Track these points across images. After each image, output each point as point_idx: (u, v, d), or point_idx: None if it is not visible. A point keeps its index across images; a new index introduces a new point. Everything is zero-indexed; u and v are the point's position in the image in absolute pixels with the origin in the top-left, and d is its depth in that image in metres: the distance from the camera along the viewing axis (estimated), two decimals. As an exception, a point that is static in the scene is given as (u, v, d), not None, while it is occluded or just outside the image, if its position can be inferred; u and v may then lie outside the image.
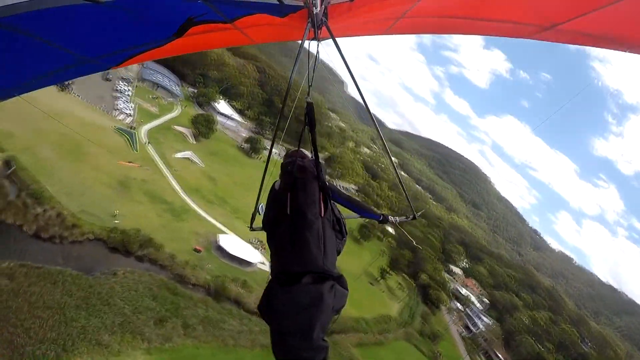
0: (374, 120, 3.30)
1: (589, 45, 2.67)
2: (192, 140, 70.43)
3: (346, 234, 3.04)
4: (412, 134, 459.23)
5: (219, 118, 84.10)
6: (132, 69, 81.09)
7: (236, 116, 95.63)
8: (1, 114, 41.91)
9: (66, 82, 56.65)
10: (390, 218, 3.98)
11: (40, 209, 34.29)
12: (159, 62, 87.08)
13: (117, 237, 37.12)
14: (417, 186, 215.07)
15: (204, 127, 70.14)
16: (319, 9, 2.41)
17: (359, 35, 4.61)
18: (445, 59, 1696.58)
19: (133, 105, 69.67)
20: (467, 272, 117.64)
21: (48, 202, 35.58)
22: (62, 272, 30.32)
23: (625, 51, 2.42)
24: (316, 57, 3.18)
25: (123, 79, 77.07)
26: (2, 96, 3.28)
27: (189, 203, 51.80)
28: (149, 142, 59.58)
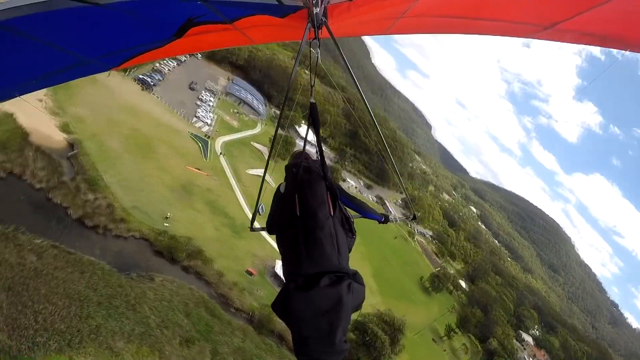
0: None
1: (590, 45, 2.76)
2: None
3: (355, 231, 3.05)
4: (494, 185, 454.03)
5: (300, 142, 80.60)
6: (220, 82, 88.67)
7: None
8: (78, 99, 45.19)
9: (150, 83, 64.57)
10: (391, 217, 4.11)
11: (91, 195, 34.92)
12: (247, 79, 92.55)
13: (164, 241, 36.36)
14: (495, 240, 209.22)
15: (282, 148, 68.57)
16: (318, 8, 2.35)
17: (359, 35, 4.80)
18: (534, 109, 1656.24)
19: (213, 116, 72.32)
20: (538, 342, 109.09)
21: (101, 191, 36.16)
22: (94, 264, 29.61)
23: (626, 50, 2.52)
24: (317, 58, 3.10)
25: (208, 89, 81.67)
26: (2, 96, 3.33)
27: (253, 222, 49.80)
28: (223, 154, 60.78)
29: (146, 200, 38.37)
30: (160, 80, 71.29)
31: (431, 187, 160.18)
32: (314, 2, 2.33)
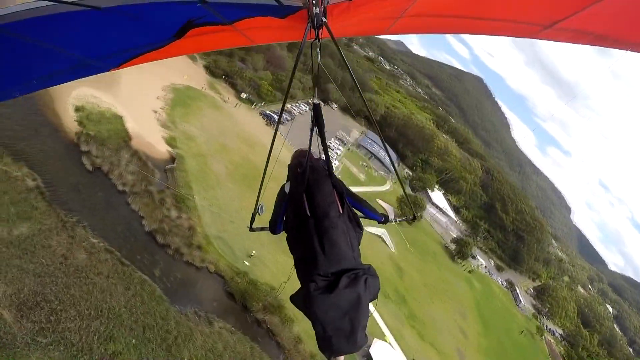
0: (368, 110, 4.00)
1: (590, 44, 2.85)
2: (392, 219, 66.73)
3: (362, 226, 3.30)
4: (636, 282, 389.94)
5: (430, 208, 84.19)
6: (352, 134, 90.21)
7: (450, 212, 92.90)
8: (195, 119, 47.50)
9: (274, 118, 68.41)
10: (390, 218, 4.39)
11: (174, 213, 33.79)
12: (382, 136, 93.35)
13: (241, 283, 32.60)
14: (630, 349, 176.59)
15: (409, 210, 65.62)
16: (318, 9, 2.48)
17: (359, 35, 4.92)
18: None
19: (339, 164, 74.82)
20: None
21: (187, 212, 34.79)
22: (145, 284, 26.41)
23: (626, 50, 2.62)
24: (319, 58, 3.32)
25: (338, 138, 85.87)
26: (2, 96, 3.52)
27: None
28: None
29: (234, 233, 36.61)
30: (288, 120, 73.77)
31: (566, 278, 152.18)
32: (313, 2, 2.44)
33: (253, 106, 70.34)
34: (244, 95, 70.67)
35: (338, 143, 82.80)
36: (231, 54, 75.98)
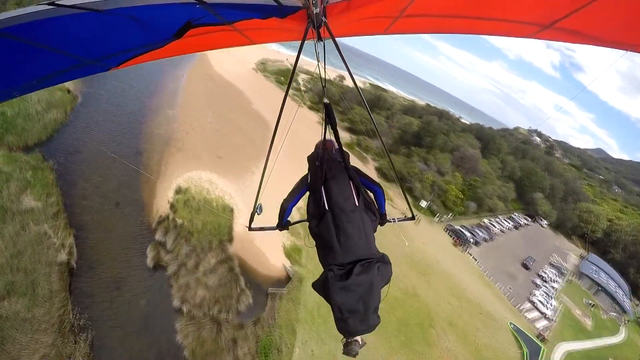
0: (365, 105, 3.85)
1: (591, 45, 2.88)
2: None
3: (378, 214, 3.61)
4: None
5: None
6: (569, 259, 72.19)
7: None
8: None
9: (470, 240, 56.26)
10: (389, 218, 4.51)
11: None
12: (606, 259, 77.34)
13: None
14: None
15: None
16: (318, 8, 2.59)
17: (358, 35, 4.76)
18: None
19: (556, 305, 53.30)
20: None
21: None
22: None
23: (627, 50, 2.66)
24: (324, 57, 3.65)
25: (553, 265, 66.46)
26: (2, 97, 3.55)
27: None
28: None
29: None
30: (485, 241, 61.62)
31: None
32: (313, 2, 2.50)
33: (436, 218, 58.38)
34: (423, 204, 58.73)
35: (554, 273, 62.51)
36: (409, 154, 68.12)
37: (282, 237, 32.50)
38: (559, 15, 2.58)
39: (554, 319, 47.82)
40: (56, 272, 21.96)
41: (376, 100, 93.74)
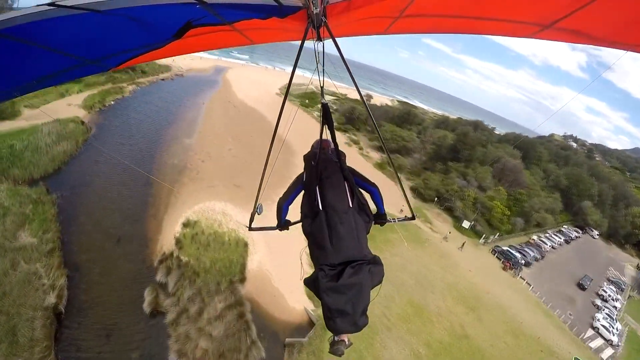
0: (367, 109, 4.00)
1: (591, 45, 2.88)
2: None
3: (372, 216, 3.61)
4: None
5: None
6: (627, 271, 65.19)
7: None
8: (382, 259, 40.58)
9: (520, 261, 50.06)
10: (389, 218, 4.50)
11: None
12: None
13: None
14: None
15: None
16: (318, 8, 2.59)
17: (358, 35, 4.89)
18: None
19: (622, 329, 44.98)
20: None
21: None
22: None
23: (627, 50, 2.67)
24: (323, 57, 3.67)
25: (611, 280, 57.99)
26: (2, 97, 3.60)
27: None
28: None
29: None
30: (536, 260, 54.47)
31: None
32: (313, 2, 2.50)
33: (481, 240, 52.20)
34: (466, 225, 53.24)
35: (613, 289, 54.17)
36: (446, 170, 64.59)
37: (305, 274, 26.83)
38: (559, 15, 2.59)
39: (619, 344, 40.71)
40: (40, 317, 19.78)
41: (406, 116, 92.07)
